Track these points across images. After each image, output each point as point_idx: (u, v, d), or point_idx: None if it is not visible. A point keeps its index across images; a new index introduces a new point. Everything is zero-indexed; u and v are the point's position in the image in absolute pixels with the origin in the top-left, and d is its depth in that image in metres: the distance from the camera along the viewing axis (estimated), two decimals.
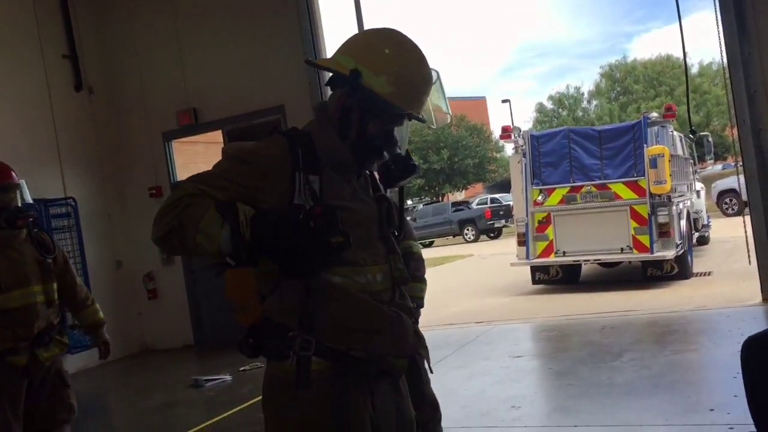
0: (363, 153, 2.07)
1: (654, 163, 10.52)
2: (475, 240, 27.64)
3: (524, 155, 11.58)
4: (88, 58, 9.96)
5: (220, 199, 1.88)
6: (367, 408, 2.03)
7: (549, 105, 50.73)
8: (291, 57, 8.69)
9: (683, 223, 11.44)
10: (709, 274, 11.47)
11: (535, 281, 11.99)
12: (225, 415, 6.14)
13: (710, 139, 15.87)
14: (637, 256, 10.94)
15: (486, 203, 30.46)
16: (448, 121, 2.49)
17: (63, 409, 4.13)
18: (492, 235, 27.90)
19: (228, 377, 7.51)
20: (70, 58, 9.80)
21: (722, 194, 21.33)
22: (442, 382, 4.77)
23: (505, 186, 29.72)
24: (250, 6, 9.16)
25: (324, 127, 2.08)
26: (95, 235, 9.61)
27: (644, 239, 10.68)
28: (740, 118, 7.53)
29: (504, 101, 51.93)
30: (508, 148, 15.95)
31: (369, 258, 2.06)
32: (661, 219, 10.65)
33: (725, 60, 7.61)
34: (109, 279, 9.73)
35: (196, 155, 12.58)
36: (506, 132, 11.99)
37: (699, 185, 14.94)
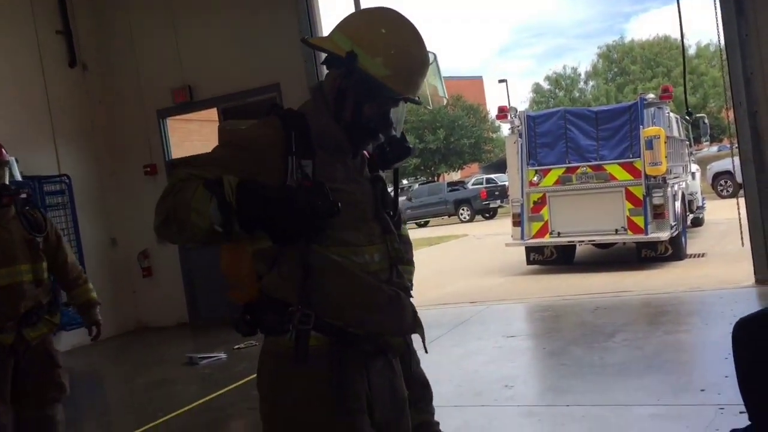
0: (358, 135, 2.07)
1: (650, 145, 10.53)
2: (471, 220, 27.69)
3: (520, 135, 11.56)
4: (82, 34, 9.85)
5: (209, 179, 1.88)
6: (363, 385, 2.04)
7: (546, 85, 50.68)
8: (287, 35, 8.63)
9: (678, 204, 11.48)
10: (703, 255, 11.53)
11: (529, 261, 12.03)
12: (220, 392, 6.18)
13: (706, 120, 15.87)
14: (631, 237, 10.99)
15: (481, 183, 30.48)
16: (444, 103, 2.48)
17: (53, 389, 4.09)
18: (487, 215, 27.94)
19: (223, 355, 7.54)
20: (64, 34, 9.68)
21: (717, 176, 21.38)
22: (435, 361, 4.80)
23: (500, 166, 29.72)
24: None
25: (319, 108, 2.07)
26: (90, 213, 9.58)
27: (639, 220, 10.71)
28: (736, 100, 7.53)
29: (501, 81, 51.56)
30: (505, 129, 15.96)
31: (365, 238, 2.06)
32: (656, 200, 10.68)
33: (722, 42, 7.61)
34: (104, 257, 9.72)
35: (191, 133, 12.54)
36: (502, 112, 11.99)
37: (694, 167, 14.96)
